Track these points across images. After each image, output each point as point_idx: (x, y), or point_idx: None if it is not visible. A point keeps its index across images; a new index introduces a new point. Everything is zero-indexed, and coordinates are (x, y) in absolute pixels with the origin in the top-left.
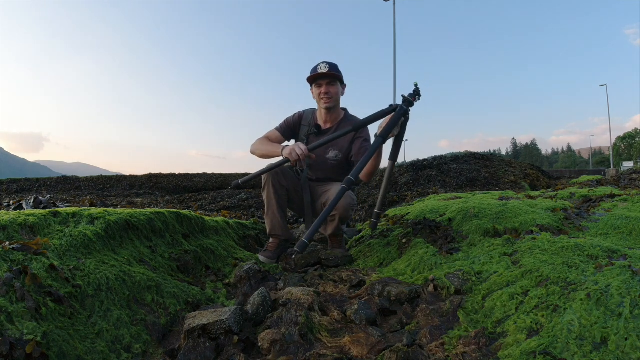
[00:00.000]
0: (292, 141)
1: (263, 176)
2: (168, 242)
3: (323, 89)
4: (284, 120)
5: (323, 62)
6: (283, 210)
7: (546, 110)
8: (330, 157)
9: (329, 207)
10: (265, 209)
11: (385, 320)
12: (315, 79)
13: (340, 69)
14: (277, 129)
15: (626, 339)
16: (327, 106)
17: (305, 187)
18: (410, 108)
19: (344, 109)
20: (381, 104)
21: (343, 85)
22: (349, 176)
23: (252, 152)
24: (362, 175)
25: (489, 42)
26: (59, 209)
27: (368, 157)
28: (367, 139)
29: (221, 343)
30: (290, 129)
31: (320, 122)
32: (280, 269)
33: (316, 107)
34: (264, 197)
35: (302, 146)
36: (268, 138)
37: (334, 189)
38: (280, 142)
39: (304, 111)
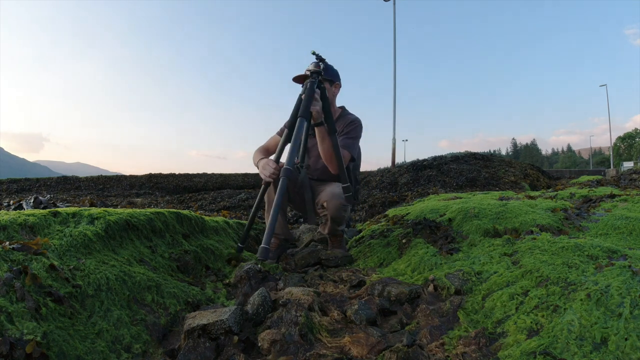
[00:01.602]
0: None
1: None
2: (168, 242)
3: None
4: (285, 123)
5: (311, 64)
6: (284, 210)
7: (546, 110)
8: None
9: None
10: (266, 207)
11: (385, 320)
12: (301, 80)
13: (341, 69)
14: (278, 133)
15: (626, 339)
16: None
17: (306, 185)
18: (320, 77)
19: (342, 107)
20: (381, 103)
21: (335, 84)
22: (343, 184)
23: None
24: (329, 167)
25: (489, 42)
26: (59, 209)
27: (324, 149)
28: (351, 134)
29: (221, 343)
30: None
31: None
32: (280, 269)
33: None
34: (266, 196)
35: (271, 164)
36: (267, 149)
37: (329, 188)
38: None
39: None
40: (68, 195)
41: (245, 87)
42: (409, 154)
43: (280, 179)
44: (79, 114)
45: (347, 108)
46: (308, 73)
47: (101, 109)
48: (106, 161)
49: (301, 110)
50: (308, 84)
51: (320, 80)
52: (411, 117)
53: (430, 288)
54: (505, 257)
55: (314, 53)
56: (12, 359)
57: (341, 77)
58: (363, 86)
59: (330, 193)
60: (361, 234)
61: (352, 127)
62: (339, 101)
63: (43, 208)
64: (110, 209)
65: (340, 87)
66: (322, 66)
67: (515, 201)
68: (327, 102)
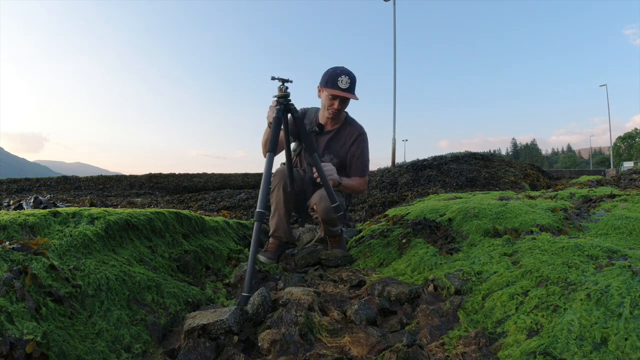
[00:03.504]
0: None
1: (273, 179)
2: (168, 242)
3: (336, 105)
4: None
5: (346, 75)
6: (289, 215)
7: (546, 110)
8: (325, 160)
9: None
10: (272, 210)
11: (385, 320)
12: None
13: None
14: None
15: (626, 339)
16: (331, 117)
17: (309, 188)
18: (285, 102)
19: (345, 112)
20: (381, 103)
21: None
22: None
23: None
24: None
25: (489, 42)
26: (59, 209)
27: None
28: (363, 153)
29: (221, 343)
30: (294, 126)
31: (322, 122)
32: (280, 269)
33: (319, 107)
34: (272, 200)
35: (271, 109)
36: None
37: (319, 191)
38: (309, 153)
39: (307, 109)
40: (68, 195)
41: (245, 86)
42: (409, 154)
43: (255, 223)
44: (79, 114)
45: (347, 109)
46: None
47: (101, 109)
48: (106, 161)
49: (269, 145)
50: (274, 113)
51: (289, 103)
52: (411, 117)
53: (430, 288)
54: (505, 257)
55: (273, 78)
56: (12, 359)
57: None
58: (363, 86)
59: (319, 195)
60: (361, 234)
61: (361, 144)
62: None
63: (43, 208)
64: (110, 209)
65: None
66: (285, 89)
67: (515, 201)
68: (300, 122)
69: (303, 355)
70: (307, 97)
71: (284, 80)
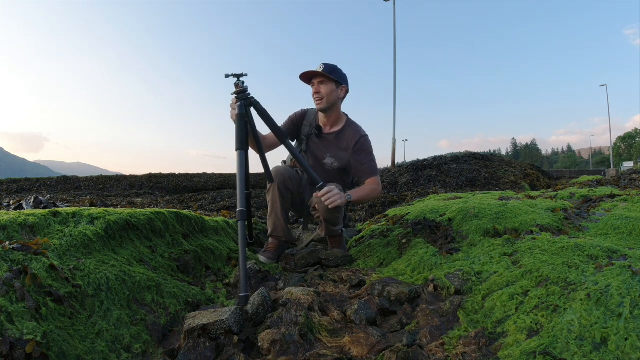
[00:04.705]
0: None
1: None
2: (168, 242)
3: (314, 89)
4: (288, 118)
5: (322, 63)
6: (286, 213)
7: (546, 110)
8: (327, 162)
9: None
10: (269, 210)
11: (385, 320)
12: (307, 77)
13: (345, 71)
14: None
15: (626, 339)
16: (319, 107)
17: (306, 189)
18: (244, 97)
19: (345, 114)
20: (381, 103)
21: (341, 87)
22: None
23: None
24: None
25: (489, 42)
26: (59, 209)
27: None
28: (369, 154)
29: (221, 343)
30: (292, 127)
31: (321, 124)
32: (280, 269)
33: None
34: (269, 199)
35: (232, 105)
36: (265, 137)
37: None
38: (281, 142)
39: (307, 110)
40: (68, 195)
41: (246, 85)
42: (409, 154)
43: (238, 222)
44: (79, 114)
45: (347, 109)
46: (319, 69)
47: (101, 109)
48: (106, 161)
49: (237, 143)
50: (236, 109)
51: (248, 97)
52: (411, 117)
53: (430, 288)
54: (505, 257)
55: (227, 75)
56: (12, 359)
57: (341, 77)
58: (363, 86)
59: None
60: (361, 234)
61: (365, 146)
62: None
63: (43, 208)
64: (110, 209)
65: (348, 91)
66: (242, 84)
67: (515, 201)
68: (267, 115)
69: (303, 355)
70: (307, 98)
71: (238, 76)
